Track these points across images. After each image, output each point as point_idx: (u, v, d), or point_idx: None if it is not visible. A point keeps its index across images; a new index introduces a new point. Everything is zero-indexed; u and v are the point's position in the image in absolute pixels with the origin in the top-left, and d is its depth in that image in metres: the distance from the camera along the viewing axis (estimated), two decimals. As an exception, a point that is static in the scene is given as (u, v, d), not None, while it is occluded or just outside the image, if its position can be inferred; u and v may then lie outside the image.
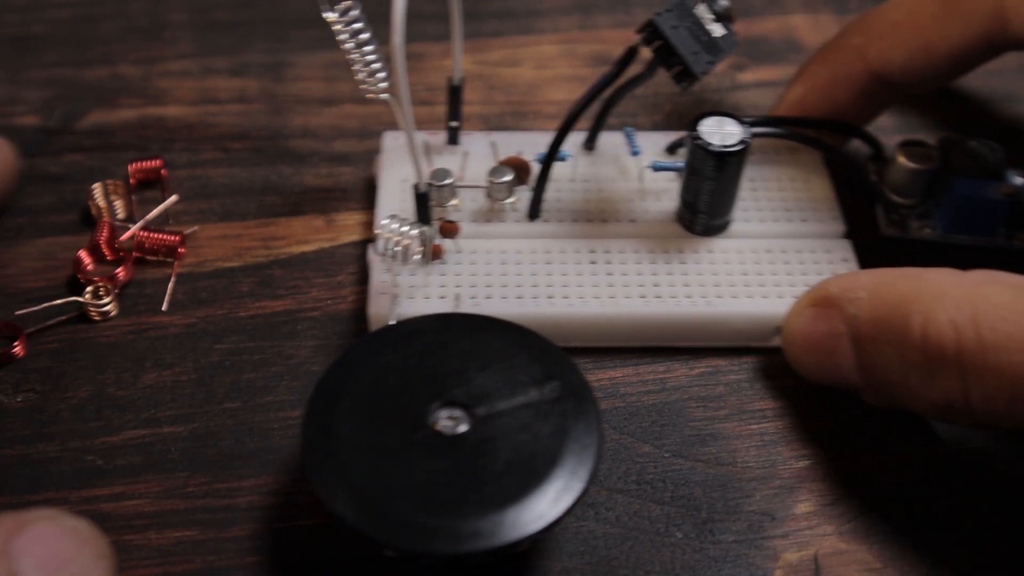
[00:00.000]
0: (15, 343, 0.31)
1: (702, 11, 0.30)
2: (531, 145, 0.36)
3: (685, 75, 0.30)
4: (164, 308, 0.32)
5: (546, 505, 0.25)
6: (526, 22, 0.44)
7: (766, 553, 0.28)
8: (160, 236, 0.34)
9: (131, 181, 0.36)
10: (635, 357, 0.32)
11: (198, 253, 0.35)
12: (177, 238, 0.34)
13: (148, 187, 0.37)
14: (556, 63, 0.42)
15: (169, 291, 0.33)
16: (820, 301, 0.30)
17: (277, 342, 0.32)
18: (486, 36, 0.43)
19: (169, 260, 0.34)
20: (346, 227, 0.36)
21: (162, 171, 0.37)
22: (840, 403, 0.31)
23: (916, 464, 0.30)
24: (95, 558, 0.24)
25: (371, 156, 0.38)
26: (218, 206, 0.36)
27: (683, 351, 0.32)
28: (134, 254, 0.34)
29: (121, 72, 0.41)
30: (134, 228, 0.34)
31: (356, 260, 0.35)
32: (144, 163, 0.37)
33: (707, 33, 0.30)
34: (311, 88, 0.41)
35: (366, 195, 0.37)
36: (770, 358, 0.32)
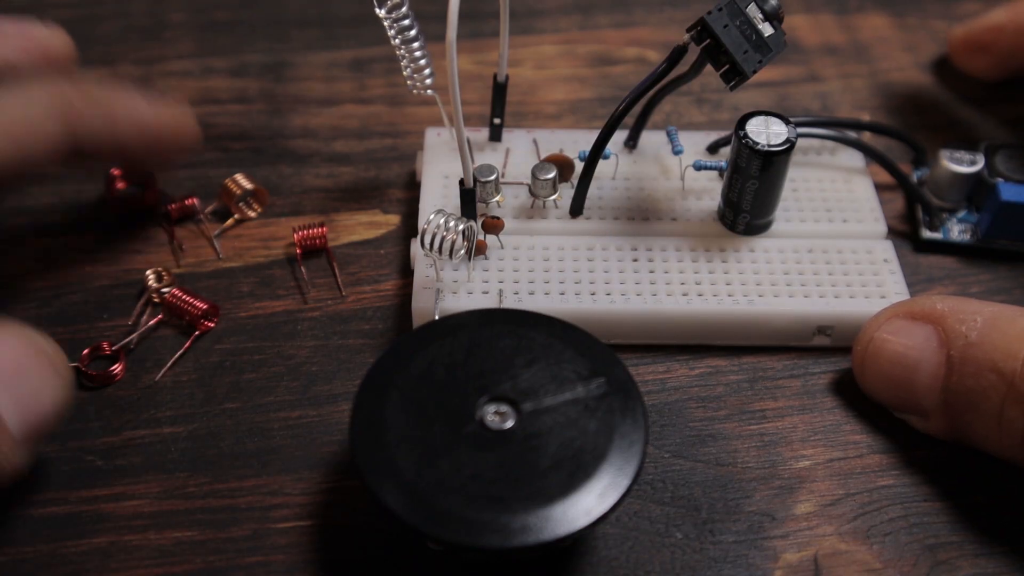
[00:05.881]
0: (115, 364, 0.31)
1: (752, 10, 0.30)
2: (572, 143, 0.36)
3: (733, 73, 0.30)
4: (157, 378, 0.31)
5: (593, 500, 0.25)
6: (526, 22, 0.44)
7: (766, 553, 0.28)
8: (191, 300, 0.32)
9: (298, 251, 0.34)
10: (635, 357, 0.32)
11: (198, 253, 0.35)
12: (206, 306, 0.32)
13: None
14: (556, 63, 0.42)
15: (174, 359, 0.32)
16: (919, 315, 0.29)
17: (277, 342, 0.32)
18: (486, 36, 0.43)
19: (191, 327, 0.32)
20: (346, 227, 0.36)
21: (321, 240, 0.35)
22: (839, 404, 0.31)
23: (916, 464, 0.30)
24: (53, 374, 0.26)
25: (371, 156, 0.38)
26: (218, 206, 0.36)
27: (683, 351, 0.32)
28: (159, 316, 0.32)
29: (121, 72, 0.41)
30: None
31: (356, 260, 0.35)
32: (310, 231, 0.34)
33: (757, 32, 0.30)
34: (311, 88, 0.41)
35: (366, 195, 0.37)
36: (769, 358, 0.32)
